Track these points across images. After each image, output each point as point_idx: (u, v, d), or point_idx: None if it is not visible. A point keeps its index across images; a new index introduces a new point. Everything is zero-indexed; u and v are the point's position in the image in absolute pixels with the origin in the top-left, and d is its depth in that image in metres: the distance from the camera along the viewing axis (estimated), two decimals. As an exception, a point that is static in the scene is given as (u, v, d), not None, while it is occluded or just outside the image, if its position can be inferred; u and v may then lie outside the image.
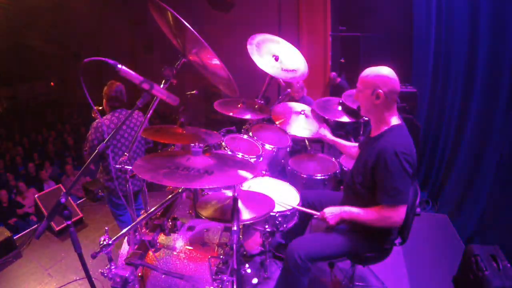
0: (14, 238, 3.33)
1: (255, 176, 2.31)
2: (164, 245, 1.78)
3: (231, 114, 2.55)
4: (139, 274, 1.65)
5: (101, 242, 1.34)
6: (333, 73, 6.07)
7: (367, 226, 1.78)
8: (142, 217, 1.63)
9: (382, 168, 1.65)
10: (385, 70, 1.74)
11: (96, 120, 2.59)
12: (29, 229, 3.69)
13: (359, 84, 1.80)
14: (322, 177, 2.61)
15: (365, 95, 1.76)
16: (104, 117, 2.62)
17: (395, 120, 1.76)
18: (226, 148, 2.36)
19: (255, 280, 1.91)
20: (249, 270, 1.60)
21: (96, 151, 1.32)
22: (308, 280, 1.80)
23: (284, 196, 2.18)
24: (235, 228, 1.42)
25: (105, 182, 2.68)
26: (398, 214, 1.67)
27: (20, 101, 12.35)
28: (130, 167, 1.55)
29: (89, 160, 1.32)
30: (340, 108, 2.87)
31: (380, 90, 1.70)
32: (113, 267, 1.39)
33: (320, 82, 6.21)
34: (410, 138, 1.73)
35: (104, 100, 2.68)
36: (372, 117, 1.84)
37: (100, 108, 2.73)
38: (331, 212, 1.86)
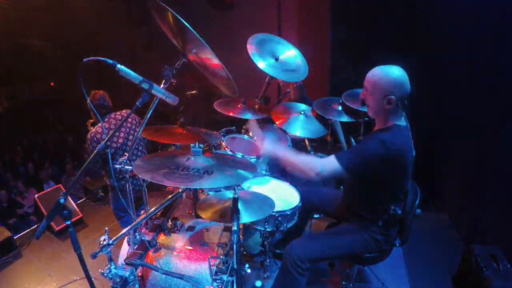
0: (14, 238, 3.33)
1: (255, 176, 2.31)
2: (164, 245, 1.78)
3: (231, 114, 2.55)
4: (139, 274, 1.65)
5: (101, 242, 1.34)
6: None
7: (368, 226, 1.78)
8: (142, 217, 1.63)
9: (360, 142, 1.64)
10: (398, 72, 1.62)
11: (89, 132, 2.60)
12: (29, 229, 3.69)
13: (368, 85, 1.68)
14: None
15: (375, 99, 1.66)
16: (96, 126, 2.63)
17: (399, 121, 1.71)
18: (226, 148, 2.36)
19: (259, 283, 1.92)
20: (249, 270, 1.60)
21: (96, 150, 1.32)
22: (306, 281, 1.80)
23: (284, 196, 2.18)
24: (235, 228, 1.42)
25: (112, 183, 2.69)
26: (326, 164, 1.62)
27: (20, 101, 12.34)
28: (130, 167, 1.55)
29: (88, 160, 1.32)
30: (340, 108, 2.87)
31: (393, 96, 1.60)
32: (113, 267, 1.39)
33: (320, 82, 6.22)
34: (409, 139, 1.70)
35: (91, 112, 2.65)
36: (378, 118, 1.78)
37: (92, 120, 2.75)
38: (268, 145, 1.82)
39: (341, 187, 2.65)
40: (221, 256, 1.67)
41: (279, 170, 2.82)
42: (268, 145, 1.81)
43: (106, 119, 2.65)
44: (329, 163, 1.62)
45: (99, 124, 2.63)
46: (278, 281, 1.93)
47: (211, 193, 2.12)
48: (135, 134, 2.67)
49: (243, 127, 2.78)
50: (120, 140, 2.64)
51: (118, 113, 2.71)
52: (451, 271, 2.58)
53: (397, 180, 1.73)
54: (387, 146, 1.56)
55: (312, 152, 3.04)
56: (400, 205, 1.81)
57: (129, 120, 2.72)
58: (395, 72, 1.63)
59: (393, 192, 1.77)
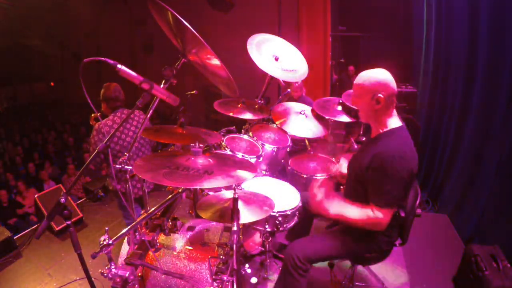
0: (14, 238, 3.33)
1: (255, 176, 2.30)
2: (164, 245, 1.78)
3: (231, 114, 2.55)
4: (139, 274, 1.65)
5: (101, 242, 1.34)
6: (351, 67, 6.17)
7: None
8: (142, 217, 1.63)
9: (377, 169, 1.62)
10: (382, 73, 1.69)
11: (98, 122, 2.57)
12: (29, 229, 3.69)
13: (356, 90, 1.74)
14: (322, 177, 2.60)
15: (365, 101, 1.71)
16: (106, 119, 2.60)
17: (394, 122, 1.72)
18: (226, 148, 2.36)
19: (254, 280, 1.91)
20: (249, 270, 1.60)
21: (96, 150, 1.32)
22: (307, 281, 1.80)
23: (284, 196, 2.18)
24: (235, 228, 1.42)
25: (114, 187, 2.64)
26: (384, 217, 1.62)
27: (20, 101, 12.35)
28: (130, 167, 1.55)
29: (88, 160, 1.32)
30: (340, 108, 2.87)
31: (380, 95, 1.65)
32: (113, 267, 1.39)
33: (320, 82, 6.22)
34: (410, 140, 1.69)
35: (103, 104, 2.65)
36: (372, 122, 1.80)
37: (99, 114, 2.70)
38: (320, 197, 1.80)
39: (341, 187, 2.66)
40: (221, 256, 1.67)
41: (279, 170, 2.82)
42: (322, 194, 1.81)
43: (119, 113, 2.60)
44: (386, 214, 1.63)
45: (110, 117, 2.58)
46: (279, 283, 1.93)
47: (210, 193, 2.12)
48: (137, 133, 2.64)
49: (243, 127, 2.78)
50: (125, 144, 2.58)
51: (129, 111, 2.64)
52: (451, 271, 2.58)
53: None
54: (401, 162, 1.58)
55: (312, 152, 3.04)
56: (403, 207, 1.80)
57: (136, 121, 2.67)
58: (379, 72, 1.70)
59: None
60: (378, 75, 1.69)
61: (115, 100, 2.61)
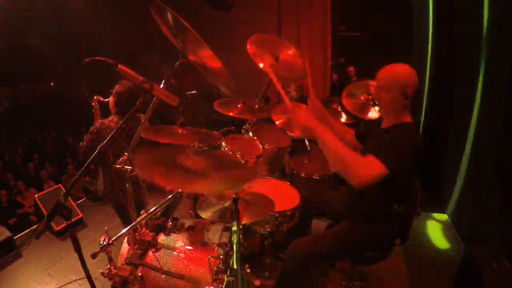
0: (14, 238, 3.33)
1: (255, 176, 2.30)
2: (164, 245, 1.78)
3: (231, 114, 2.55)
4: (139, 274, 1.65)
5: (101, 242, 1.34)
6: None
7: (366, 223, 1.76)
8: (142, 217, 1.63)
9: (391, 140, 1.58)
10: (408, 67, 1.67)
11: (100, 121, 2.42)
12: (29, 229, 3.69)
13: (385, 83, 1.68)
14: (322, 177, 2.60)
15: (393, 95, 1.66)
16: (110, 120, 2.45)
17: (408, 118, 1.72)
18: (226, 148, 2.36)
19: (257, 283, 1.91)
20: (249, 270, 1.61)
21: (97, 151, 1.32)
22: (307, 280, 1.81)
23: (284, 196, 2.18)
24: (235, 228, 1.42)
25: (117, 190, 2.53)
26: (378, 168, 1.45)
27: (20, 101, 12.35)
28: (130, 167, 1.55)
29: (89, 161, 1.32)
30: (340, 108, 2.87)
31: (410, 90, 1.64)
32: (113, 267, 1.39)
33: (320, 82, 6.22)
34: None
35: (112, 98, 2.50)
36: (391, 115, 1.76)
37: (106, 100, 2.54)
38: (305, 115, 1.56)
39: (338, 187, 2.66)
40: (221, 256, 1.67)
41: (279, 170, 2.82)
42: (305, 116, 1.54)
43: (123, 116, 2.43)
44: (376, 167, 1.45)
45: (115, 120, 2.43)
46: (279, 281, 1.93)
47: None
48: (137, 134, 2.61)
49: (243, 127, 2.78)
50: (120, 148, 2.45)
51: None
52: (451, 271, 2.58)
53: (409, 178, 1.74)
54: (415, 145, 1.59)
55: (312, 152, 3.04)
56: (405, 204, 1.80)
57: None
58: (405, 67, 1.67)
59: (401, 191, 1.77)
60: (406, 69, 1.66)
61: (120, 104, 2.46)
